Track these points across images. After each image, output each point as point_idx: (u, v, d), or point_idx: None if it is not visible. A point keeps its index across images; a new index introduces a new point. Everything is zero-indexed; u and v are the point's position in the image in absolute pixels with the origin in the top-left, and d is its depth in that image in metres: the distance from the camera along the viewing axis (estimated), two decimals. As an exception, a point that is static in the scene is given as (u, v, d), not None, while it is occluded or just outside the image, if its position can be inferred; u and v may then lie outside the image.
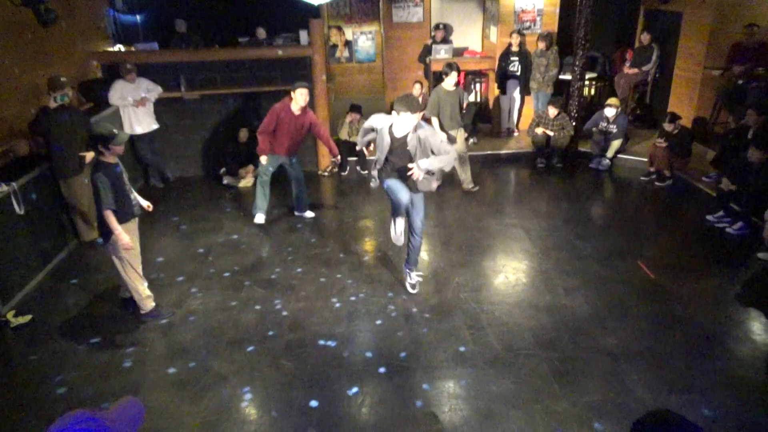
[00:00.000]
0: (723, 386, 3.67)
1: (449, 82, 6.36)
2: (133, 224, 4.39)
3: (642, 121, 9.13)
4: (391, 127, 4.23)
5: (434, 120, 6.49)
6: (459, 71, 6.40)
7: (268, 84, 7.47)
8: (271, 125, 5.75)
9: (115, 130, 4.09)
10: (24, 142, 5.41)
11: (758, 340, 4.14)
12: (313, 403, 3.61)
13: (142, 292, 4.43)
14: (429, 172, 4.28)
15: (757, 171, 5.58)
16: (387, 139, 4.25)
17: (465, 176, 7.00)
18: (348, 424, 3.46)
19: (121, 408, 1.68)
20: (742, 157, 5.92)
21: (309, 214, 6.44)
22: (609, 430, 3.35)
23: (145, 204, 4.61)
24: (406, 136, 4.17)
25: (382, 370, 3.91)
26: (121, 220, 4.16)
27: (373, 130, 4.46)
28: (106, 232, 4.18)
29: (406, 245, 4.83)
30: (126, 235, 4.14)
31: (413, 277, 4.87)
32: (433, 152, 4.18)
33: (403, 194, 4.35)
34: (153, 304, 4.51)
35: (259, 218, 6.12)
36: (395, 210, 4.65)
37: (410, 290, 4.84)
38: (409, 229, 4.69)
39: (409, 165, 4.21)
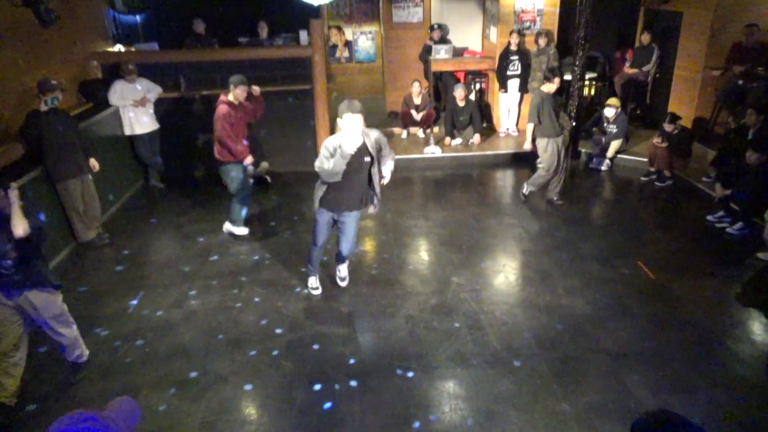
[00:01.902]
0: (723, 386, 3.67)
1: (550, 87, 6.20)
2: None
3: (642, 121, 9.13)
4: (343, 140, 4.05)
5: (530, 127, 6.19)
6: (562, 77, 6.13)
7: (268, 84, 7.46)
8: (231, 131, 5.49)
9: None
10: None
11: (758, 340, 4.14)
12: (313, 404, 3.61)
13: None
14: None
15: (756, 172, 5.59)
16: (347, 150, 4.03)
17: (557, 187, 6.64)
18: (348, 424, 3.46)
19: (118, 407, 1.68)
20: (735, 162, 5.94)
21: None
22: (609, 430, 3.36)
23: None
24: (363, 144, 4.11)
25: (382, 370, 3.91)
26: None
27: (332, 152, 4.07)
28: None
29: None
30: None
31: (342, 270, 4.98)
32: (380, 153, 4.25)
33: (325, 233, 4.59)
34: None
35: (242, 231, 5.97)
36: (312, 253, 4.77)
37: (339, 283, 4.98)
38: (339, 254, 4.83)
39: (378, 172, 4.25)
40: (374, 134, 4.20)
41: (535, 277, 5.07)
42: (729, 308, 4.57)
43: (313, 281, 4.90)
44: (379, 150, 4.26)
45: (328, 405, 3.60)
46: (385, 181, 4.39)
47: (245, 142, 5.69)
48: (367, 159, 4.19)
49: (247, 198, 5.87)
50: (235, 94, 5.52)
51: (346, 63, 11.50)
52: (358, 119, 4.00)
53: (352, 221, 4.51)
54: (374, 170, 4.28)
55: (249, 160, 5.67)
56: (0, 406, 3.50)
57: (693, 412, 3.43)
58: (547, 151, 6.32)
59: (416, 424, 3.43)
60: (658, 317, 4.42)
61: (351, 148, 4.06)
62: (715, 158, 6.88)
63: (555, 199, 6.65)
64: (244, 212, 5.93)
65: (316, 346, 4.17)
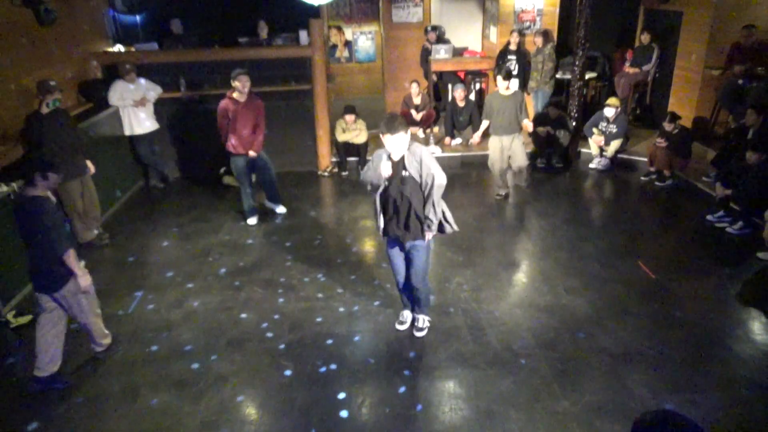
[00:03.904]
0: (723, 386, 3.67)
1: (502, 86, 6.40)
2: None
3: (642, 121, 9.14)
4: (389, 155, 3.75)
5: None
6: (508, 79, 6.39)
7: (268, 84, 7.46)
8: (223, 123, 5.86)
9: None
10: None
11: (758, 340, 4.14)
12: (313, 404, 3.62)
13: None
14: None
15: (755, 172, 5.59)
16: (387, 167, 3.71)
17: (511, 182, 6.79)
18: (348, 424, 3.46)
19: None
20: (735, 161, 5.93)
21: (280, 209, 6.60)
22: (609, 430, 3.36)
23: None
24: (402, 159, 3.73)
25: (382, 370, 3.91)
26: None
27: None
28: (61, 277, 3.66)
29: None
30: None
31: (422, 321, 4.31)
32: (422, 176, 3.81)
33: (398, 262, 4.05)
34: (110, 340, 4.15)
35: (252, 220, 6.31)
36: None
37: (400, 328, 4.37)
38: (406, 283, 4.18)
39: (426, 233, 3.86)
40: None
41: (535, 277, 5.07)
42: (729, 308, 4.57)
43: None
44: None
45: (328, 405, 3.60)
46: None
47: (247, 135, 5.93)
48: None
49: (248, 189, 6.20)
50: (234, 86, 5.75)
51: (345, 63, 11.51)
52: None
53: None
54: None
55: (252, 153, 6.00)
56: None
57: (693, 412, 3.43)
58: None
59: (416, 424, 3.43)
60: (658, 317, 4.42)
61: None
62: (715, 158, 6.87)
63: (503, 194, 6.82)
64: (246, 204, 6.23)
65: (316, 346, 4.17)
